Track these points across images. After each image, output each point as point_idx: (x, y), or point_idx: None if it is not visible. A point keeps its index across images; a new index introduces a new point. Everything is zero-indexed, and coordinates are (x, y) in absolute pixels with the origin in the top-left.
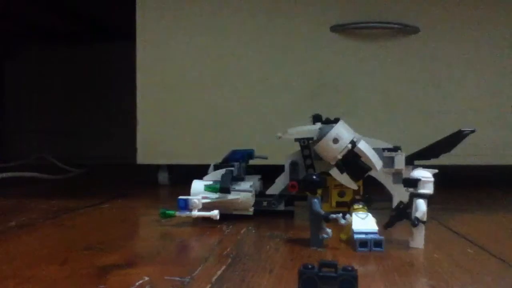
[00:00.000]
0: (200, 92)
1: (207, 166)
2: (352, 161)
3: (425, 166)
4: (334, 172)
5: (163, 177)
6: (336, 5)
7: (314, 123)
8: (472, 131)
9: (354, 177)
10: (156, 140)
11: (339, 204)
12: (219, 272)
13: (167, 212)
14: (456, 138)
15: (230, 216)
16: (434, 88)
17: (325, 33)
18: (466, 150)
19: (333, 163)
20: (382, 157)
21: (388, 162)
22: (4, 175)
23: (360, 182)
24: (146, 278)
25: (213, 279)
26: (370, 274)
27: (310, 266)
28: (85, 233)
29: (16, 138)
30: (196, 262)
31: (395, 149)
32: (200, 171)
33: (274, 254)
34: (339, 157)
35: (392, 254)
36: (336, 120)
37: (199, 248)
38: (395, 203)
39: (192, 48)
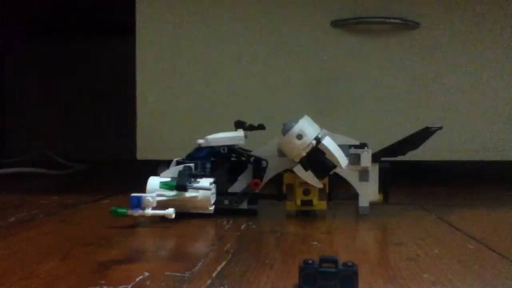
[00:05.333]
0: (201, 87)
1: None
2: (317, 158)
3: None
4: (298, 170)
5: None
6: (336, 0)
7: (236, 129)
8: (439, 128)
9: (319, 174)
10: (156, 135)
11: (304, 202)
12: (219, 268)
13: (118, 210)
14: (423, 135)
15: (222, 212)
16: (435, 83)
17: (326, 28)
18: (468, 146)
19: (297, 160)
20: (348, 154)
21: (355, 159)
22: (5, 170)
23: (326, 180)
24: (147, 274)
25: (214, 274)
26: (370, 269)
27: (310, 262)
28: (86, 229)
29: (16, 133)
30: (196, 257)
31: (362, 146)
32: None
33: (274, 249)
34: (303, 154)
35: (391, 249)
36: (260, 126)
37: (199, 243)
38: (361, 201)
39: (192, 43)
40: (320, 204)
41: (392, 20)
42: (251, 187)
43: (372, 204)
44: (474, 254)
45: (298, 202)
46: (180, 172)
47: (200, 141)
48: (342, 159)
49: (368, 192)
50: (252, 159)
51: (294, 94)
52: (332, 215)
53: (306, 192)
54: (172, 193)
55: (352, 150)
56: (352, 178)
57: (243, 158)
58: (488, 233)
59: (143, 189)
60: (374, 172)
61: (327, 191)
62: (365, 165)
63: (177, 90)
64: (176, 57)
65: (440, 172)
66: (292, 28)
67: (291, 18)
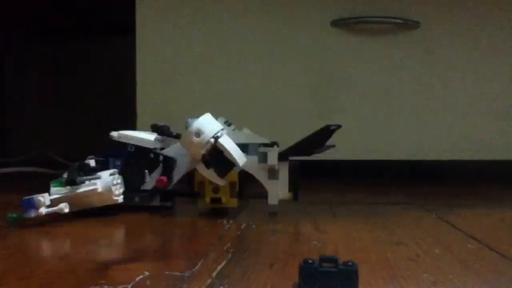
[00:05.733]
0: (201, 87)
1: None
2: (216, 157)
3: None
4: (201, 168)
5: None
6: (336, 0)
7: (152, 132)
8: (339, 126)
9: (219, 172)
10: None
11: (213, 200)
12: (219, 267)
13: (13, 216)
14: (324, 134)
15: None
16: (435, 83)
17: (326, 28)
18: (468, 146)
19: (198, 158)
20: (256, 152)
21: (263, 158)
22: (4, 170)
23: (236, 178)
24: (147, 273)
25: (214, 274)
26: (370, 269)
27: (310, 261)
28: (85, 228)
29: (16, 133)
30: (196, 257)
31: (272, 144)
32: None
33: (274, 249)
34: (203, 151)
35: (391, 249)
36: (176, 136)
37: (199, 243)
38: (270, 199)
39: (192, 43)
40: (230, 202)
41: (392, 20)
42: (156, 184)
43: (283, 201)
44: (474, 254)
45: (208, 200)
46: (70, 168)
47: (114, 133)
48: (239, 158)
49: (277, 190)
50: (161, 157)
51: (294, 94)
52: (332, 215)
53: (215, 190)
54: (67, 189)
55: (261, 149)
56: (261, 176)
57: (151, 156)
58: (488, 233)
59: None
60: (283, 171)
61: (237, 189)
62: (272, 163)
63: (177, 90)
64: (176, 57)
65: (440, 172)
66: (292, 28)
67: (291, 18)
